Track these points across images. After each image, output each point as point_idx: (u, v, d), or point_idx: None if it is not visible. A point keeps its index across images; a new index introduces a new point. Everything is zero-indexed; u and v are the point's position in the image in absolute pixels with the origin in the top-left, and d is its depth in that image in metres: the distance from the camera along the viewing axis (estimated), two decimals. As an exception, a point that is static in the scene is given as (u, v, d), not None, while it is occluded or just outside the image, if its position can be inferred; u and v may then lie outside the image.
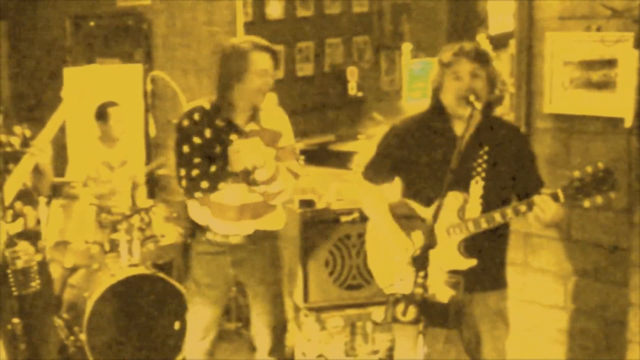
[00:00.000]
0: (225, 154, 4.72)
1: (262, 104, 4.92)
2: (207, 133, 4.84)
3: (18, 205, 4.89)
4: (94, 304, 6.27)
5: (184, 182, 4.88)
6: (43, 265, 5.04)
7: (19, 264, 4.65)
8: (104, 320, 6.42)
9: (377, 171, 4.63)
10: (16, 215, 4.86)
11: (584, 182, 3.90)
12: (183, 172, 4.86)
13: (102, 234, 6.75)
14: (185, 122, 4.92)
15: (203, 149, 4.86)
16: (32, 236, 4.89)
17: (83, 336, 6.25)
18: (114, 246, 6.72)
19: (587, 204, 3.91)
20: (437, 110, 4.38)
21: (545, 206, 3.98)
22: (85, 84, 4.95)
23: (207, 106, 4.94)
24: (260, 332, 5.26)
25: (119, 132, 7.15)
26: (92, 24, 8.59)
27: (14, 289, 4.58)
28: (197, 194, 4.85)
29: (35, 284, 4.69)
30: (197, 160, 4.85)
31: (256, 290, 5.19)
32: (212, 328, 5.26)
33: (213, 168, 4.78)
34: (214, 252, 5.11)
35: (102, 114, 7.18)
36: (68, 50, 8.73)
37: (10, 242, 4.69)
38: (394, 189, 4.65)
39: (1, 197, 4.60)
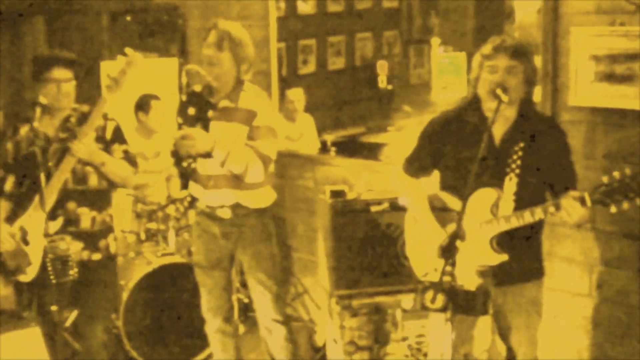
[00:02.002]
0: (205, 128, 5.02)
1: (241, 83, 5.17)
2: (191, 111, 5.08)
3: (71, 205, 5.05)
4: (130, 291, 6.34)
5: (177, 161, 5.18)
6: (108, 262, 5.26)
7: (57, 252, 4.74)
8: (140, 307, 6.50)
9: (416, 165, 4.69)
10: (66, 215, 5.01)
11: (611, 187, 3.87)
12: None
13: (138, 223, 6.89)
14: (178, 104, 5.29)
15: (187, 124, 5.09)
16: (85, 237, 5.03)
17: (119, 323, 6.30)
18: (150, 235, 6.82)
19: (613, 209, 3.88)
20: (474, 103, 4.42)
21: (572, 209, 3.98)
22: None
23: (199, 88, 5.19)
24: (259, 302, 5.49)
25: (157, 125, 7.23)
26: (128, 18, 8.58)
27: (52, 277, 4.65)
28: (184, 164, 5.08)
29: (73, 273, 4.75)
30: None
31: (249, 265, 5.41)
32: (221, 307, 5.54)
33: None
34: (206, 223, 5.37)
35: (143, 106, 7.27)
36: (105, 45, 8.78)
37: (48, 232, 4.79)
38: (433, 181, 4.70)
39: (42, 191, 4.71)
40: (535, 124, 4.38)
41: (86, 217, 5.08)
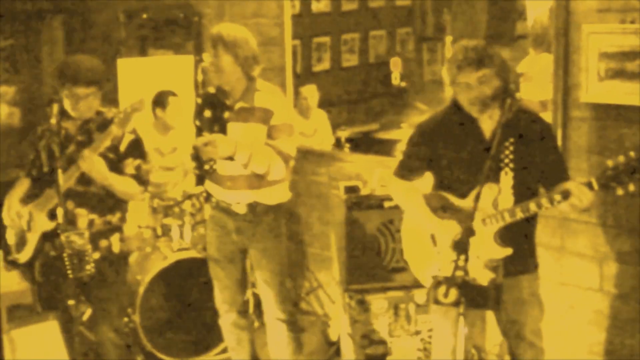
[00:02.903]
0: (222, 130, 5.09)
1: (254, 83, 5.17)
2: (207, 113, 5.18)
3: (70, 204, 5.05)
4: (147, 286, 6.38)
5: (195, 161, 5.26)
6: (107, 261, 5.21)
7: (74, 247, 4.69)
8: (156, 302, 6.58)
9: (408, 169, 4.72)
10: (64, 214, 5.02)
11: (617, 171, 3.94)
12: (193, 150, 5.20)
13: (154, 218, 6.91)
14: (193, 107, 5.33)
15: (205, 127, 5.18)
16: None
17: (136, 317, 6.35)
18: (166, 230, 6.85)
19: (620, 191, 3.95)
20: (457, 107, 4.48)
21: (582, 195, 4.03)
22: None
23: (213, 90, 5.25)
24: (264, 300, 5.52)
25: (174, 121, 7.22)
26: (144, 16, 8.54)
27: (69, 271, 4.62)
28: (206, 167, 5.14)
29: (90, 268, 4.70)
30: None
31: (257, 261, 5.44)
32: (235, 301, 5.58)
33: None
34: (221, 217, 5.40)
35: (161, 102, 7.25)
36: (121, 42, 8.74)
37: (66, 227, 4.77)
38: (425, 181, 4.72)
39: (57, 186, 4.70)
40: (520, 118, 4.39)
41: (83, 218, 5.10)
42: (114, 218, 5.25)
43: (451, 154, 4.49)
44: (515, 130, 4.34)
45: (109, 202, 5.19)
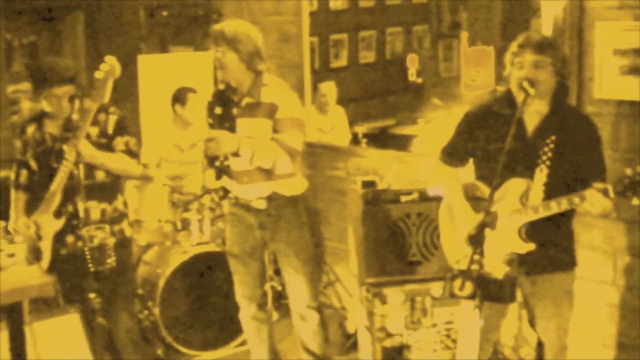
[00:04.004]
0: (232, 127, 5.09)
1: (262, 78, 5.18)
2: (217, 110, 5.15)
3: (79, 199, 5.06)
4: (167, 279, 6.46)
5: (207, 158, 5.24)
6: (121, 246, 5.27)
7: (95, 241, 4.82)
8: (176, 295, 6.61)
9: (451, 154, 4.76)
10: (74, 211, 5.07)
11: (633, 180, 3.90)
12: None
13: (174, 213, 6.96)
14: (206, 106, 5.34)
15: (216, 124, 5.17)
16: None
17: (156, 310, 6.43)
18: (186, 225, 6.89)
19: (635, 201, 3.91)
20: (508, 97, 4.45)
21: (596, 201, 4.01)
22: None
23: (223, 87, 5.22)
24: (293, 289, 5.57)
25: (193, 118, 7.25)
26: (164, 13, 8.65)
27: (90, 265, 4.73)
28: (216, 163, 5.13)
29: (111, 261, 4.82)
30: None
31: (284, 253, 5.48)
32: (255, 295, 5.62)
33: None
34: (241, 214, 5.43)
35: (181, 99, 7.31)
36: (142, 39, 8.83)
37: (87, 222, 4.91)
38: (468, 171, 4.76)
39: (49, 190, 4.83)
40: (567, 117, 4.41)
41: (95, 210, 5.14)
42: (120, 204, 5.33)
43: (491, 145, 4.50)
44: (558, 128, 4.36)
45: (114, 189, 5.29)
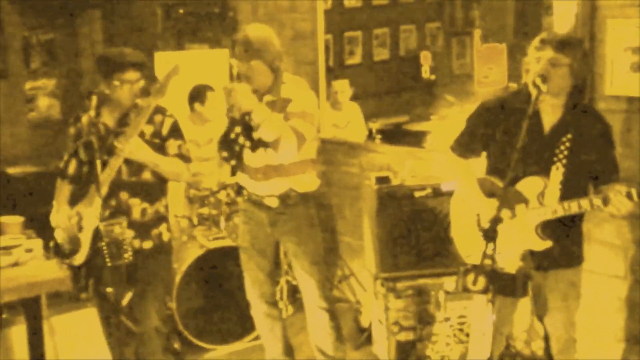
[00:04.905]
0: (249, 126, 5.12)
1: (280, 77, 5.24)
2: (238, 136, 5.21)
3: (124, 195, 5.14)
4: (183, 274, 6.48)
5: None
6: (157, 251, 5.29)
7: (113, 236, 4.77)
8: (192, 289, 6.68)
9: (464, 146, 4.75)
10: (118, 205, 5.11)
11: None
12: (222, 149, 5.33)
13: (190, 208, 7.02)
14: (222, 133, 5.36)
15: (235, 121, 5.21)
16: (137, 226, 5.09)
17: (173, 304, 6.45)
18: (202, 220, 6.94)
19: None
20: (525, 93, 4.44)
21: (621, 205, 4.05)
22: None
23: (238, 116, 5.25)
24: (304, 289, 5.58)
25: (212, 115, 7.29)
26: (181, 11, 8.71)
27: (107, 260, 4.70)
28: (232, 162, 5.25)
29: (128, 256, 4.77)
30: (232, 134, 5.24)
31: (294, 253, 5.50)
32: (266, 292, 5.65)
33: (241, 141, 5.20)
34: (254, 211, 5.47)
35: (200, 96, 7.35)
36: (158, 36, 8.90)
37: (105, 217, 4.90)
38: (481, 164, 4.78)
39: (97, 181, 4.82)
40: (583, 115, 4.44)
41: (137, 208, 5.17)
42: (161, 207, 5.32)
43: (506, 139, 4.49)
44: (575, 127, 4.38)
45: (157, 190, 5.28)
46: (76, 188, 5.29)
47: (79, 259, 5.07)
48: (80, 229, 5.06)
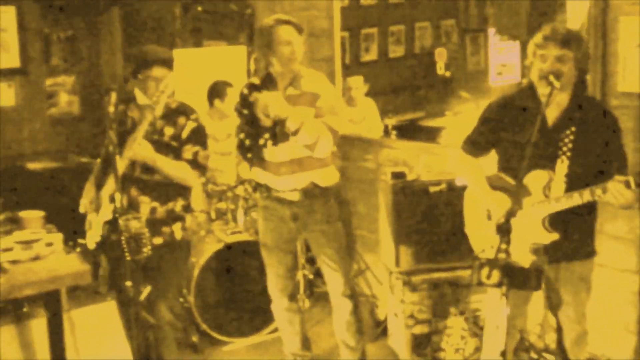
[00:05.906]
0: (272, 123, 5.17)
1: (300, 70, 5.32)
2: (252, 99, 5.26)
3: (133, 192, 5.22)
4: (201, 268, 6.54)
5: (239, 149, 5.41)
6: (169, 247, 5.30)
7: (132, 231, 4.78)
8: (210, 283, 6.72)
9: (474, 144, 4.80)
10: (128, 200, 5.18)
11: None
12: (237, 139, 5.39)
13: (209, 203, 7.06)
14: (238, 99, 5.45)
15: (250, 118, 5.28)
16: (147, 222, 5.03)
17: (191, 298, 6.53)
18: (220, 214, 7.00)
19: None
20: (530, 89, 4.49)
21: (618, 193, 4.04)
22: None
23: (257, 81, 5.36)
24: (329, 278, 5.63)
25: (230, 111, 6.90)
26: (199, 8, 8.79)
27: (127, 254, 4.70)
28: (249, 156, 5.30)
29: (147, 250, 4.80)
30: (247, 128, 5.32)
31: (317, 242, 5.56)
32: (287, 286, 5.70)
33: (262, 139, 5.25)
34: (275, 206, 5.50)
35: (220, 93, 7.39)
36: (177, 34, 8.94)
37: (124, 211, 4.89)
38: (491, 162, 4.82)
39: (116, 172, 4.78)
40: (587, 109, 4.42)
41: (146, 206, 5.22)
42: (177, 206, 5.32)
43: (513, 136, 4.54)
44: (579, 120, 4.39)
45: (172, 191, 5.29)
46: (102, 173, 5.38)
47: (90, 241, 5.17)
48: (97, 212, 5.19)
